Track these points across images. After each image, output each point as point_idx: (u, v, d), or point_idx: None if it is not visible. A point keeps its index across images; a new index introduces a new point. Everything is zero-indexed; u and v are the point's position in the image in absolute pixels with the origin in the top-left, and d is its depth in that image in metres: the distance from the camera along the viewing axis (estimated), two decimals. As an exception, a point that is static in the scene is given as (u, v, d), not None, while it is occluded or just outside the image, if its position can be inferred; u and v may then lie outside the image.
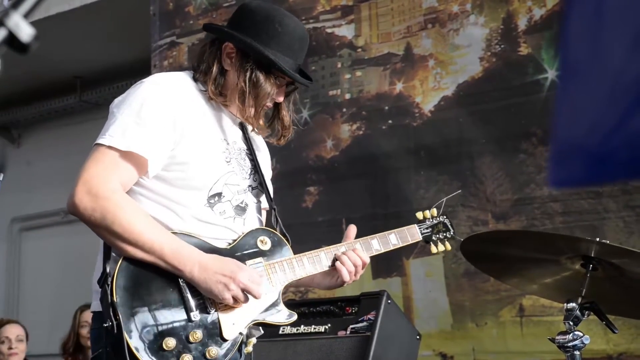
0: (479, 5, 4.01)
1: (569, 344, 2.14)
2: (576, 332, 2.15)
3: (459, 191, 2.51)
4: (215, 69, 2.17)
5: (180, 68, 4.93)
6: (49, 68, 5.91)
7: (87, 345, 4.92)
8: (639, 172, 0.62)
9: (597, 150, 0.57)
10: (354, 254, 2.24)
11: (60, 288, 6.74)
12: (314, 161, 4.41)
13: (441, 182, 3.98)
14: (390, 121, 4.21)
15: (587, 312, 2.18)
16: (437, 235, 2.43)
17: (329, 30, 4.47)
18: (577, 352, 2.15)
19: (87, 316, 4.96)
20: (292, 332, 3.19)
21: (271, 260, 2.15)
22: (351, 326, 3.04)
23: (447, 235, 2.44)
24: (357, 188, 4.27)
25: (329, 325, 3.12)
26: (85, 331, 4.93)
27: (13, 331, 4.96)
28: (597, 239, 2.11)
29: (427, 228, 2.42)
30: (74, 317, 5.04)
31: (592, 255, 2.16)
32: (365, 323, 3.02)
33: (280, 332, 3.20)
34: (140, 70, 5.78)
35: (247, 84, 2.14)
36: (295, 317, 2.17)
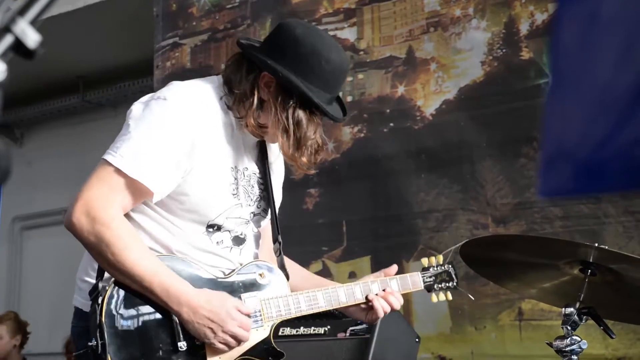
0: (481, 9, 4.02)
1: (567, 349, 2.15)
2: (574, 337, 2.16)
3: (466, 241, 2.46)
4: (255, 100, 2.06)
5: (183, 69, 4.95)
6: (52, 68, 5.93)
7: None
8: (633, 183, 0.62)
9: (589, 160, 0.58)
10: (384, 301, 2.25)
11: (62, 287, 6.74)
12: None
13: (442, 185, 3.99)
14: (391, 124, 4.22)
15: (585, 317, 2.19)
16: (440, 285, 2.40)
17: (331, 33, 4.47)
18: (574, 357, 2.16)
19: None
20: (292, 333, 3.19)
21: (267, 296, 2.12)
22: (351, 328, 3.05)
23: (450, 285, 2.42)
24: (357, 191, 4.28)
25: (329, 327, 3.12)
26: None
27: None
28: (596, 244, 2.12)
29: (430, 277, 2.39)
30: None
31: (591, 260, 2.17)
32: (364, 325, 3.03)
33: (279, 333, 3.21)
34: (142, 71, 5.81)
35: (290, 123, 2.04)
36: (283, 356, 2.12)
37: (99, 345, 1.91)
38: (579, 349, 2.16)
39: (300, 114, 2.05)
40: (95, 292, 1.98)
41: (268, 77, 2.07)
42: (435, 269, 2.41)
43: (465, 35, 4.05)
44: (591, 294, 2.20)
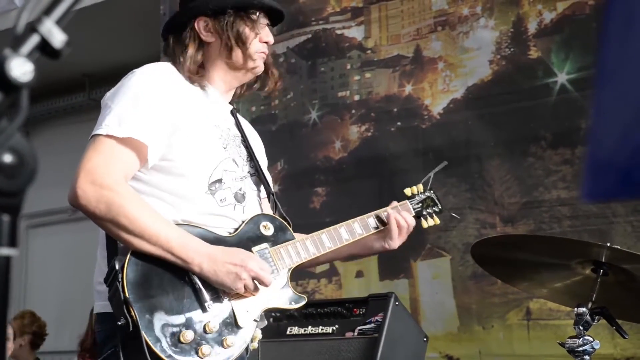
0: (489, 8, 4.01)
1: (579, 349, 2.15)
2: (586, 337, 2.16)
3: (445, 162, 2.56)
4: (191, 49, 2.17)
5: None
6: (58, 66, 5.91)
7: None
8: None
9: (628, 164, 0.58)
10: (400, 216, 2.34)
11: (68, 285, 6.76)
12: (322, 162, 4.42)
13: (449, 184, 3.98)
14: (399, 123, 4.22)
15: (597, 317, 2.18)
16: (427, 210, 2.49)
17: (338, 32, 4.47)
18: (587, 357, 2.16)
19: None
20: (300, 332, 3.20)
21: (276, 245, 2.17)
22: (359, 327, 3.05)
23: (435, 209, 2.50)
24: (365, 189, 4.27)
25: (337, 326, 3.12)
26: None
27: None
28: (608, 244, 2.12)
29: (417, 204, 2.47)
30: (90, 314, 5.08)
31: (603, 260, 2.17)
32: (372, 324, 3.02)
33: (287, 332, 3.21)
34: (149, 69, 5.80)
35: (231, 37, 2.16)
36: (304, 300, 2.19)
37: (129, 322, 1.90)
38: (592, 349, 2.15)
39: (237, 22, 2.17)
40: (112, 273, 1.96)
41: (202, 19, 2.19)
42: (420, 196, 2.49)
43: (473, 34, 4.05)
44: (603, 293, 2.20)
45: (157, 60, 5.15)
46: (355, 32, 4.42)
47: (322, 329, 3.15)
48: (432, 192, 2.50)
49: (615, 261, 2.17)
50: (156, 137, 2.02)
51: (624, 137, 0.59)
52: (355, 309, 3.14)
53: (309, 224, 4.32)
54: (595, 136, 0.61)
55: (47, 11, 0.75)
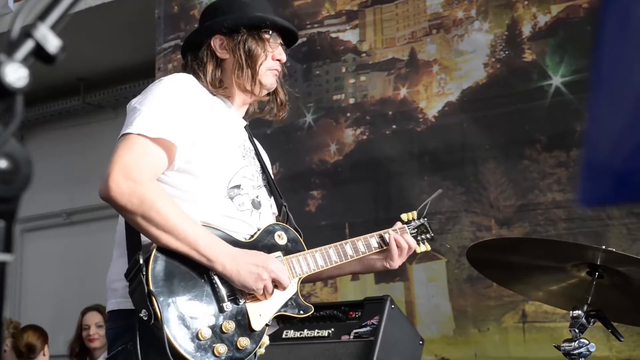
0: (484, 11, 4.02)
1: (575, 352, 2.15)
2: (582, 340, 2.16)
3: (440, 190, 2.63)
4: (210, 66, 2.26)
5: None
6: (53, 70, 5.90)
7: (90, 347, 4.95)
8: None
9: (623, 168, 0.58)
10: (400, 237, 2.40)
11: (63, 289, 6.74)
12: (318, 165, 4.42)
13: (444, 187, 3.98)
14: (394, 126, 4.22)
15: (592, 319, 2.18)
16: (421, 236, 2.55)
17: (333, 35, 4.48)
18: (582, 360, 2.16)
19: (88, 319, 4.99)
20: (296, 336, 3.20)
21: (288, 255, 2.22)
22: (354, 331, 3.05)
23: (428, 237, 2.56)
24: (360, 193, 4.28)
25: (333, 329, 3.13)
26: (85, 334, 4.96)
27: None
28: (604, 247, 2.12)
29: (413, 229, 2.53)
30: (79, 320, 5.08)
31: (599, 263, 2.17)
32: (368, 328, 3.03)
33: (283, 336, 3.21)
34: (144, 73, 5.80)
35: (242, 55, 2.25)
36: (312, 309, 2.25)
37: (152, 314, 1.93)
38: (587, 352, 2.15)
39: (249, 40, 2.26)
40: (135, 267, 2.00)
41: (217, 38, 2.29)
42: (415, 222, 2.55)
43: (467, 37, 4.05)
44: (599, 296, 2.20)
45: (152, 63, 5.18)
46: (350, 36, 4.43)
47: (318, 333, 3.15)
48: (425, 220, 2.57)
49: (611, 264, 2.17)
50: (184, 139, 2.09)
51: (619, 141, 0.59)
52: (351, 312, 3.15)
53: (305, 227, 4.31)
54: (591, 140, 0.62)
55: (42, 16, 0.75)
